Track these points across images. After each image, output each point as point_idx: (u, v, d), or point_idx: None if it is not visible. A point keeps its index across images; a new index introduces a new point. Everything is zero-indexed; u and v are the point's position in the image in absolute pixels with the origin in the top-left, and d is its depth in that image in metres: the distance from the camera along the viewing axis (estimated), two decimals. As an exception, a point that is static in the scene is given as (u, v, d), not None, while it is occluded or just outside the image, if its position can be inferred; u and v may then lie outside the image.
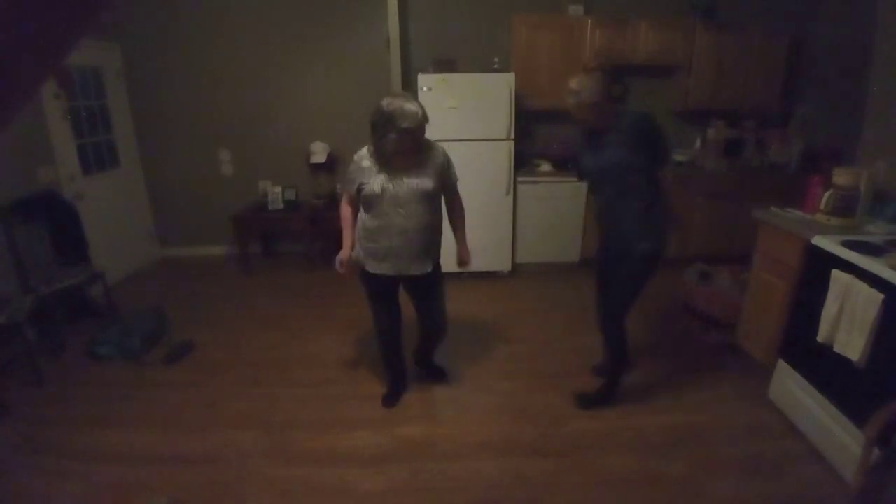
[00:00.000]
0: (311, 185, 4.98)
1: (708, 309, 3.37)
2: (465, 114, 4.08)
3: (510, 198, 4.35)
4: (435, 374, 3.03)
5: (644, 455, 2.39)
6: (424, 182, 2.32)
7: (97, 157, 4.39)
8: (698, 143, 4.79)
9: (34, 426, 2.64)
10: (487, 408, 2.78)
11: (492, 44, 4.64)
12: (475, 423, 2.66)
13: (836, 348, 2.19)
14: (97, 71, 4.40)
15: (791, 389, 2.57)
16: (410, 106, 2.16)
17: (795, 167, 4.53)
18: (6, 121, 0.36)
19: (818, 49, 4.68)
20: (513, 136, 4.18)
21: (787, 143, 4.64)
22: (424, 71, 4.14)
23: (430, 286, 2.61)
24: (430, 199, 2.37)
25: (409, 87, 4.33)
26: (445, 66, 4.23)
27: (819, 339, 2.29)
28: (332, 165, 4.86)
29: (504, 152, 4.21)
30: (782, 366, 2.65)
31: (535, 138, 4.87)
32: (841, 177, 2.63)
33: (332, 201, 4.64)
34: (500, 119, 4.12)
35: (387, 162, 2.30)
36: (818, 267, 2.38)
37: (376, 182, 2.30)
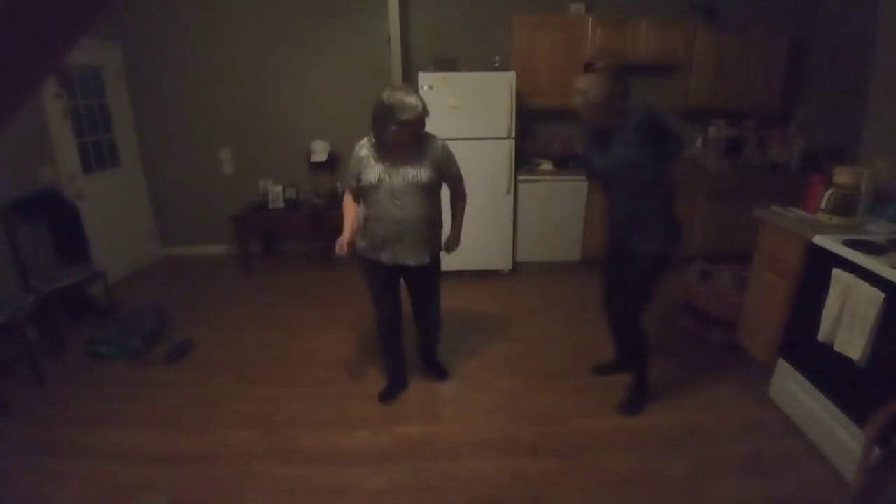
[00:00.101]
0: (311, 183, 4.97)
1: (708, 308, 3.36)
2: (466, 112, 4.07)
3: (511, 196, 4.35)
4: (436, 372, 3.03)
5: (644, 454, 2.39)
6: (421, 174, 2.36)
7: (98, 156, 4.40)
8: (699, 142, 4.78)
9: (35, 425, 2.64)
10: (487, 407, 2.78)
11: (492, 42, 4.64)
12: (475, 422, 2.66)
13: (837, 347, 2.19)
14: (97, 70, 4.40)
15: (791, 389, 2.57)
16: (411, 99, 2.20)
17: (796, 166, 4.53)
18: (6, 120, 0.36)
19: (819, 48, 4.68)
20: (513, 134, 4.17)
21: (788, 143, 4.64)
22: (425, 70, 4.13)
23: (428, 281, 2.66)
24: (425, 191, 2.40)
25: (410, 86, 4.32)
26: (446, 64, 4.23)
27: (820, 338, 2.29)
28: (333, 164, 4.86)
29: (505, 151, 4.21)
30: (783, 365, 2.65)
31: (535, 137, 4.86)
32: (842, 176, 2.63)
33: (333, 200, 4.64)
34: (501, 118, 4.12)
35: (386, 153, 2.35)
36: (819, 266, 2.38)
37: (374, 172, 2.35)
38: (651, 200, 2.36)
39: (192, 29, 4.61)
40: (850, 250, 2.22)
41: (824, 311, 2.27)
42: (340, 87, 4.78)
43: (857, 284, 2.12)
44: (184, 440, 2.52)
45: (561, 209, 4.52)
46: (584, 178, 4.43)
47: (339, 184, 4.83)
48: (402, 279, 2.67)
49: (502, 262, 4.55)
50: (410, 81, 4.40)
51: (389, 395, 2.85)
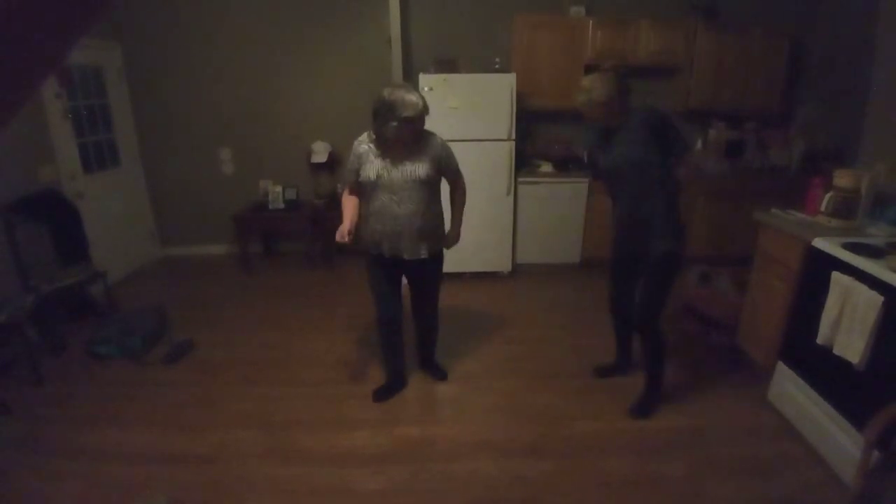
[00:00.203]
0: (311, 184, 4.98)
1: (708, 311, 3.36)
2: (466, 114, 4.08)
3: (511, 198, 4.35)
4: (435, 373, 3.04)
5: (644, 456, 2.39)
6: (418, 170, 2.40)
7: (98, 156, 4.40)
8: (699, 144, 4.79)
9: (34, 425, 2.64)
10: (487, 408, 2.78)
11: (493, 44, 4.64)
12: (475, 423, 2.66)
13: (836, 350, 2.19)
14: (98, 70, 4.41)
15: (791, 391, 2.57)
16: (411, 96, 2.25)
17: (796, 169, 4.53)
18: (6, 120, 0.36)
19: (819, 50, 4.68)
20: (514, 136, 4.18)
21: (788, 145, 4.64)
22: (426, 71, 4.14)
23: (428, 278, 2.70)
24: (423, 187, 2.43)
25: (411, 85, 4.32)
26: (447, 66, 4.23)
27: (819, 341, 2.29)
28: (333, 165, 4.86)
29: (505, 153, 4.21)
30: (782, 368, 2.65)
31: (535, 139, 4.86)
32: (842, 178, 2.63)
33: (333, 201, 4.64)
34: (501, 119, 4.13)
35: (386, 149, 2.39)
36: (819, 269, 2.38)
37: (372, 169, 2.39)
38: (657, 200, 2.35)
39: (193, 29, 4.61)
40: (850, 253, 2.23)
41: (823, 315, 2.28)
42: (341, 87, 4.78)
43: (856, 288, 2.12)
44: (183, 440, 2.52)
45: (561, 211, 4.52)
46: (585, 179, 4.44)
47: (339, 185, 4.83)
48: (403, 276, 2.71)
49: (502, 264, 4.55)
50: (411, 82, 4.40)
51: (384, 393, 2.85)
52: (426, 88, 3.99)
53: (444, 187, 2.62)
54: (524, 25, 4.38)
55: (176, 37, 4.62)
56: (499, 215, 4.38)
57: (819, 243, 2.42)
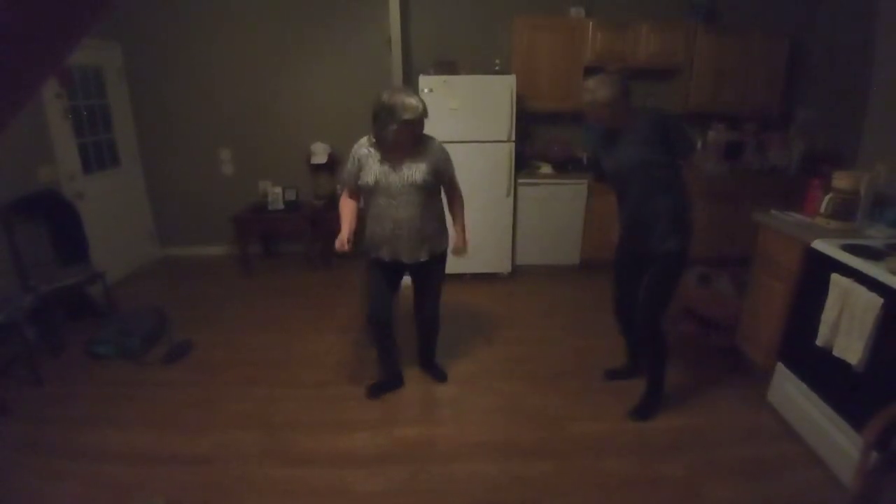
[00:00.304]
0: (311, 185, 4.98)
1: (708, 312, 3.37)
2: (466, 115, 4.08)
3: (510, 199, 4.35)
4: (436, 374, 3.04)
5: (643, 457, 2.39)
6: (416, 175, 2.41)
7: (98, 157, 4.40)
8: (699, 145, 4.79)
9: (33, 425, 2.64)
10: (487, 409, 2.78)
11: (493, 45, 4.65)
12: (474, 424, 2.66)
13: (836, 352, 2.20)
14: (98, 70, 4.41)
15: (790, 393, 2.57)
16: (411, 100, 2.27)
17: (796, 170, 4.54)
18: (7, 121, 0.36)
19: (819, 52, 4.69)
20: (513, 137, 4.18)
21: (788, 146, 4.65)
22: (425, 72, 4.14)
23: (429, 279, 2.73)
24: (422, 191, 2.45)
25: (410, 89, 4.33)
26: (446, 67, 4.23)
27: (818, 342, 2.29)
28: (333, 166, 4.86)
29: (504, 154, 4.22)
30: (781, 369, 2.65)
31: (535, 140, 4.87)
32: (841, 180, 2.64)
33: (333, 202, 4.63)
34: (501, 121, 4.13)
35: (386, 152, 2.41)
36: (818, 270, 2.39)
37: (371, 173, 2.42)
38: (664, 201, 2.36)
39: (193, 29, 4.62)
40: (849, 255, 2.23)
41: (823, 316, 2.28)
42: (341, 88, 4.79)
43: (855, 289, 2.12)
44: (182, 441, 2.52)
45: (560, 212, 4.52)
46: (585, 181, 4.44)
47: (338, 186, 4.83)
48: (404, 277, 2.73)
49: (502, 265, 4.56)
50: (411, 84, 4.41)
51: (378, 390, 2.87)
52: (426, 90, 4.00)
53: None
54: (524, 27, 4.38)
55: (176, 37, 4.63)
56: (498, 216, 4.38)
57: (818, 245, 2.42)
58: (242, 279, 4.64)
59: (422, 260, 2.58)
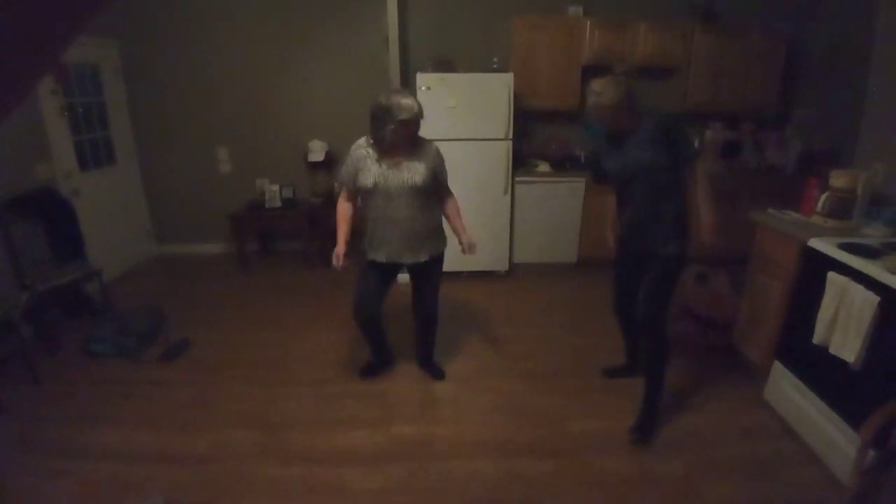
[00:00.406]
0: (308, 183, 4.97)
1: (705, 310, 3.37)
2: (464, 113, 4.08)
3: (508, 197, 4.35)
4: (434, 373, 3.04)
5: (641, 456, 2.40)
6: (414, 177, 2.45)
7: (94, 154, 4.38)
8: (696, 144, 4.80)
9: (30, 424, 2.63)
10: (485, 407, 2.79)
11: (490, 44, 4.64)
12: (473, 422, 2.66)
13: (832, 350, 2.20)
14: (95, 67, 4.39)
15: (787, 391, 2.58)
16: (407, 100, 2.34)
17: (793, 169, 4.55)
18: (2, 117, 0.35)
19: (817, 51, 4.70)
20: (511, 136, 4.18)
21: (785, 145, 4.66)
22: (423, 70, 4.13)
23: (429, 275, 2.76)
24: (419, 194, 2.50)
25: (408, 87, 4.33)
26: (444, 65, 4.23)
27: (815, 340, 2.30)
28: (330, 164, 4.85)
29: (502, 152, 4.22)
30: (778, 367, 2.66)
31: (533, 138, 4.87)
32: (838, 179, 2.65)
33: (330, 200, 4.63)
34: (499, 119, 4.12)
35: (384, 153, 2.44)
36: (815, 269, 2.39)
37: (370, 176, 2.45)
38: (666, 204, 2.36)
39: (191, 27, 4.60)
40: (846, 254, 2.24)
41: (819, 314, 2.29)
42: (338, 86, 4.78)
43: (852, 288, 2.13)
44: (180, 440, 2.51)
45: (558, 210, 4.53)
46: (582, 179, 4.44)
47: (336, 184, 4.82)
48: (401, 273, 2.78)
49: (499, 263, 4.56)
50: (408, 82, 4.40)
51: (369, 372, 3.01)
52: (423, 88, 3.99)
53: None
54: (522, 25, 4.38)
55: (173, 35, 4.61)
56: (496, 214, 4.39)
57: (815, 243, 2.43)
58: (240, 277, 4.63)
59: (422, 261, 2.61)
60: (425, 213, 2.55)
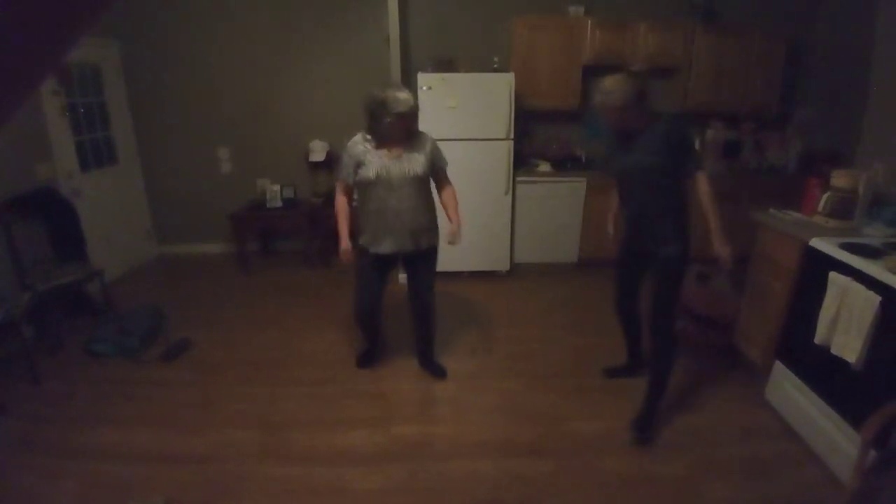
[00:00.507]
0: (309, 183, 4.97)
1: (706, 310, 3.37)
2: (465, 113, 4.08)
3: (509, 197, 4.35)
4: (435, 371, 3.05)
5: (642, 456, 2.39)
6: (415, 167, 2.52)
7: (95, 154, 4.38)
8: (697, 144, 4.80)
9: (31, 424, 2.63)
10: (485, 407, 2.79)
11: (491, 43, 4.64)
12: (473, 422, 2.66)
13: (834, 350, 2.20)
14: (96, 67, 4.39)
15: (788, 391, 2.58)
16: (402, 93, 2.40)
17: (794, 169, 4.55)
18: (4, 120, 0.35)
19: (818, 51, 4.70)
20: (512, 135, 4.18)
21: (786, 145, 4.65)
22: (424, 70, 4.13)
23: (425, 265, 2.80)
24: (420, 183, 2.57)
25: (409, 86, 4.32)
26: (445, 65, 4.23)
27: (816, 340, 2.30)
28: (331, 164, 4.85)
29: (503, 152, 4.21)
30: (779, 367, 2.66)
31: (534, 138, 4.87)
32: (839, 179, 2.64)
33: (331, 199, 4.59)
34: (500, 119, 4.12)
35: (380, 146, 2.50)
36: (816, 269, 2.39)
37: (371, 168, 2.49)
38: (667, 205, 2.36)
39: (192, 27, 4.60)
40: (847, 254, 2.24)
41: (821, 314, 2.28)
42: (339, 86, 4.78)
43: (853, 288, 2.13)
44: (181, 440, 2.52)
45: (559, 210, 4.52)
46: (583, 179, 4.45)
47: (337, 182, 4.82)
48: (397, 267, 2.82)
49: (500, 263, 4.56)
50: (409, 82, 4.40)
51: (365, 361, 3.11)
52: (424, 87, 3.99)
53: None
54: (522, 25, 4.37)
55: (175, 35, 4.61)
56: (497, 214, 4.38)
57: (816, 243, 2.43)
58: (240, 277, 4.63)
59: (423, 248, 2.68)
60: (424, 203, 2.63)
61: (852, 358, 2.09)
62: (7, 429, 2.59)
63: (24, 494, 2.19)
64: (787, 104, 4.78)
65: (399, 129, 2.44)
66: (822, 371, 2.35)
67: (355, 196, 2.70)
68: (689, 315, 3.45)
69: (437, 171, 2.66)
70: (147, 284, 4.54)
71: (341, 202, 2.69)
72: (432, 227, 2.72)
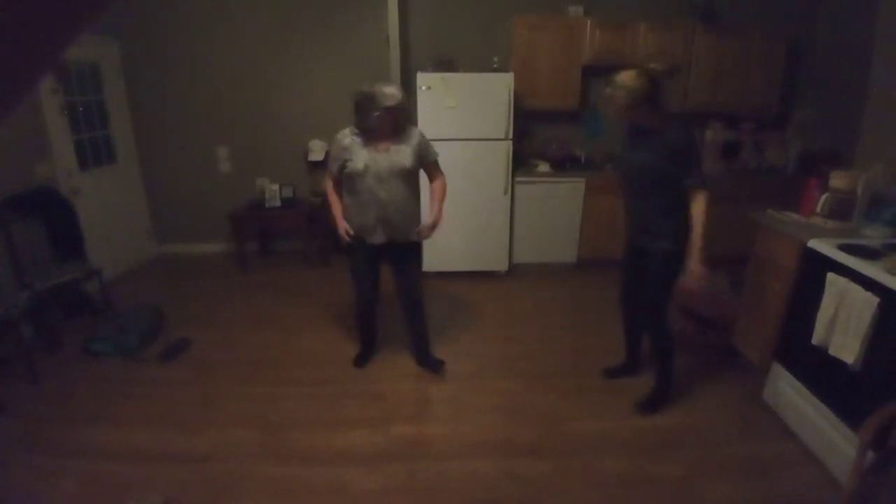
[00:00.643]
0: (309, 182, 4.97)
1: (704, 311, 3.37)
2: (464, 113, 4.07)
3: (508, 197, 4.35)
4: (433, 366, 3.06)
5: (640, 456, 2.40)
6: (403, 160, 2.58)
7: (94, 153, 4.37)
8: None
9: (30, 423, 2.63)
10: (484, 407, 2.79)
11: (491, 43, 4.64)
12: (472, 422, 2.66)
13: (832, 351, 2.20)
14: (95, 66, 4.38)
15: (786, 392, 2.58)
16: (390, 88, 2.46)
17: (793, 170, 4.55)
18: (3, 117, 0.35)
19: (817, 51, 4.70)
20: (511, 136, 4.18)
21: (785, 146, 4.66)
22: (424, 70, 4.13)
23: (412, 255, 2.86)
24: (408, 175, 2.64)
25: (409, 86, 4.33)
26: (445, 65, 4.23)
27: (814, 341, 2.30)
28: (331, 164, 4.85)
29: (502, 152, 4.21)
30: (777, 368, 2.66)
31: (533, 138, 4.87)
32: (838, 180, 2.65)
33: (330, 199, 4.63)
34: (499, 119, 4.12)
35: (369, 140, 2.55)
36: (814, 270, 2.39)
37: (359, 160, 2.54)
38: (664, 201, 2.37)
39: (191, 26, 4.60)
40: (845, 255, 2.24)
41: (819, 315, 2.29)
42: (339, 86, 4.76)
43: (851, 289, 2.13)
44: (180, 439, 2.51)
45: (558, 211, 4.53)
46: (582, 179, 4.46)
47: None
48: (383, 260, 2.87)
49: (499, 263, 4.56)
50: (409, 82, 4.41)
51: (363, 360, 3.14)
52: (424, 87, 3.99)
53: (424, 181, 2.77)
54: (522, 25, 4.37)
55: (175, 34, 4.61)
56: (496, 214, 4.38)
57: (815, 244, 2.43)
58: (240, 276, 4.63)
59: (412, 239, 2.74)
60: (411, 195, 2.69)
61: (850, 359, 2.10)
62: (6, 428, 2.59)
63: (23, 493, 2.18)
64: (787, 104, 4.78)
65: (387, 123, 2.51)
66: (820, 372, 2.36)
67: (344, 190, 2.76)
68: (689, 315, 3.46)
69: (427, 164, 2.73)
70: (146, 284, 4.54)
71: (331, 189, 2.78)
72: (418, 220, 2.78)
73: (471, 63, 4.36)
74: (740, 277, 3.19)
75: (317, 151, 4.78)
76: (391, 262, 2.87)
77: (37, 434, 2.55)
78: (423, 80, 4.01)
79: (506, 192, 4.33)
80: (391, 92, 2.44)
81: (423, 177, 2.78)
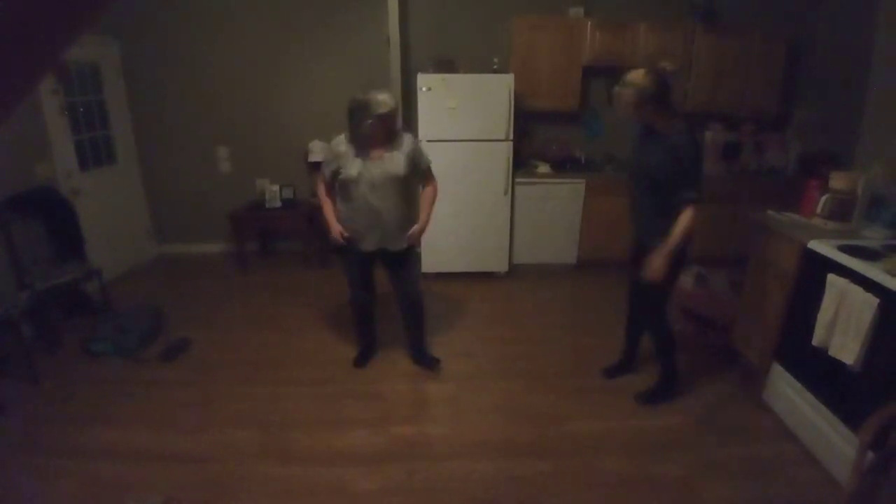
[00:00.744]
0: (308, 183, 4.97)
1: (704, 311, 3.38)
2: (464, 114, 4.07)
3: (508, 198, 4.35)
4: (428, 362, 3.08)
5: (640, 456, 2.40)
6: (396, 167, 2.61)
7: (94, 153, 4.37)
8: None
9: (30, 423, 2.63)
10: (484, 408, 2.79)
11: (491, 44, 4.64)
12: (471, 423, 2.66)
13: (832, 352, 2.20)
14: (95, 66, 4.38)
15: (786, 392, 2.58)
16: (383, 95, 2.49)
17: (793, 171, 4.55)
18: (3, 117, 0.35)
19: (817, 52, 4.70)
20: (511, 136, 4.18)
21: (785, 147, 4.66)
22: (424, 71, 4.13)
23: (405, 261, 2.86)
24: (401, 182, 2.65)
25: (409, 87, 4.34)
26: (445, 66, 4.23)
27: (814, 342, 2.30)
28: (331, 164, 4.85)
29: (502, 153, 4.21)
30: (777, 369, 2.66)
31: (533, 139, 4.87)
32: (838, 181, 2.65)
33: (330, 200, 4.63)
34: (499, 120, 4.12)
35: (362, 146, 2.57)
36: (814, 271, 2.39)
37: (354, 167, 2.57)
38: (663, 200, 2.38)
39: (192, 26, 4.60)
40: (845, 256, 2.24)
41: (819, 316, 2.29)
42: (339, 87, 4.76)
43: (851, 290, 2.13)
44: (179, 439, 2.51)
45: (558, 212, 4.53)
46: (582, 180, 4.46)
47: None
48: (379, 263, 2.89)
49: (499, 264, 4.56)
50: (409, 82, 4.41)
51: (363, 360, 3.15)
52: (424, 88, 3.99)
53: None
54: (523, 26, 4.38)
55: (175, 34, 4.61)
56: (496, 215, 4.38)
57: (815, 245, 2.43)
58: (239, 277, 4.63)
59: (404, 247, 2.76)
60: (404, 202, 2.70)
61: (850, 360, 2.10)
62: (6, 428, 2.59)
63: (23, 493, 2.18)
64: (787, 105, 4.78)
65: (380, 130, 2.53)
66: (820, 373, 2.36)
67: (337, 196, 2.78)
68: (688, 316, 3.46)
69: (419, 171, 2.74)
70: (146, 284, 4.54)
71: (324, 190, 2.81)
72: (410, 225, 2.78)
73: (471, 64, 4.36)
74: (740, 278, 3.19)
75: (317, 152, 4.77)
76: (386, 266, 2.89)
77: (37, 434, 2.55)
78: (424, 81, 4.01)
79: (506, 193, 4.33)
80: (384, 99, 2.47)
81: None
